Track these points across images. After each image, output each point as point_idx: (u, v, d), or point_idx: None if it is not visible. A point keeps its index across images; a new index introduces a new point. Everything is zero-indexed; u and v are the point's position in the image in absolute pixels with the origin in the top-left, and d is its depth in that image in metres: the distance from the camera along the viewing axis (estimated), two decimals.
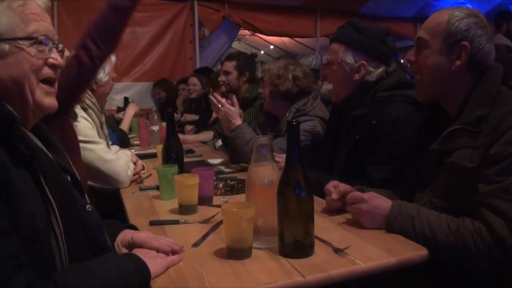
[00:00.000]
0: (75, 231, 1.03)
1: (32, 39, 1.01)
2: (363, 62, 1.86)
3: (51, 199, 0.95)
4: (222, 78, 3.52)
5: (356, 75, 1.87)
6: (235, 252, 1.16)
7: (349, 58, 1.87)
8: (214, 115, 4.25)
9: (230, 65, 3.48)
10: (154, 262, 1.10)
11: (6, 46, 0.98)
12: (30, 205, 0.91)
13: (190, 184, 1.57)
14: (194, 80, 4.90)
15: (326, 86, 1.97)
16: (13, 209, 0.87)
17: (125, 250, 1.21)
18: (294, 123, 1.16)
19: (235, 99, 2.30)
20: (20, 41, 0.99)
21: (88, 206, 1.14)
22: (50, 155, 1.09)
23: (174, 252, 1.18)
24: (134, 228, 1.32)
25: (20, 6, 1.01)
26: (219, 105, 2.24)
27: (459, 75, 1.40)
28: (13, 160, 0.89)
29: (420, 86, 1.50)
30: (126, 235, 1.24)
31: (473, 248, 1.23)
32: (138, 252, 1.15)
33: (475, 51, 1.37)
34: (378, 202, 1.36)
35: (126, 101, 4.80)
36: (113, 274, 0.99)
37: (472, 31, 1.37)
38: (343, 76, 1.89)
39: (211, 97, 2.33)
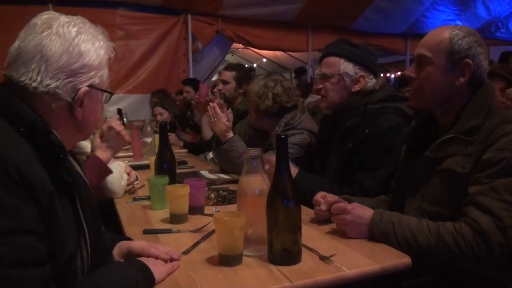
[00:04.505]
0: (98, 250, 1.06)
1: (110, 93, 1.13)
2: (363, 73, 1.97)
3: (84, 225, 0.99)
4: (219, 86, 3.54)
5: (356, 86, 1.98)
6: (227, 259, 1.21)
7: (350, 70, 1.97)
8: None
9: (229, 75, 3.50)
10: (156, 268, 1.13)
11: (99, 95, 1.08)
12: (65, 232, 0.94)
13: (180, 194, 1.61)
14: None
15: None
16: (51, 236, 0.90)
17: None
18: (282, 136, 1.21)
19: (230, 115, 2.35)
20: (105, 93, 1.11)
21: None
22: (85, 177, 1.14)
23: (172, 260, 1.21)
24: (128, 239, 1.35)
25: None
26: (215, 117, 2.31)
27: (459, 90, 1.45)
28: (57, 188, 0.93)
29: (418, 96, 1.52)
30: (122, 246, 1.28)
31: (455, 247, 1.26)
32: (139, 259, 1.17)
33: (475, 68, 1.43)
34: (361, 212, 1.40)
35: (120, 112, 4.81)
36: (120, 284, 1.01)
37: (473, 49, 1.42)
38: (342, 88, 1.99)
39: (211, 105, 2.37)
